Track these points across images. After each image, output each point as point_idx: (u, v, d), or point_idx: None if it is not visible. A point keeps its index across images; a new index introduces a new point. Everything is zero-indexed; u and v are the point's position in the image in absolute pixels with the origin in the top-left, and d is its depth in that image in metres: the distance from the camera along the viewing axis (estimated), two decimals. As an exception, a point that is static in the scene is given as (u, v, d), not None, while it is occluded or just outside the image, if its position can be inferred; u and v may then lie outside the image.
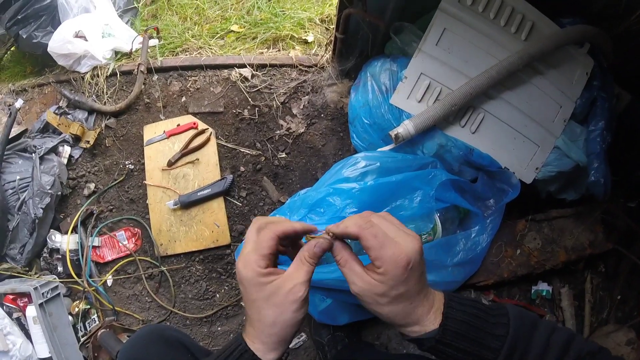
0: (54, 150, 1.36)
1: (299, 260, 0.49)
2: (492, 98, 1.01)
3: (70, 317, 1.25)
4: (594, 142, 1.01)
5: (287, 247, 0.57)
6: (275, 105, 1.39)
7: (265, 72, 1.42)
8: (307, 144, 1.36)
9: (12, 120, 1.31)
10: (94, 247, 1.32)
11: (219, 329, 1.27)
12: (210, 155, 1.35)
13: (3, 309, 1.23)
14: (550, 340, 0.47)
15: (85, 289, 1.27)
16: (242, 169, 1.35)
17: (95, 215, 1.34)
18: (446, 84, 1.01)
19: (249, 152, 1.36)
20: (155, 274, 1.31)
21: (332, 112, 1.37)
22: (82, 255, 1.29)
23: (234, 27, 1.58)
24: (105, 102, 1.45)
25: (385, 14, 1.04)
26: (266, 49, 1.52)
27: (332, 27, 1.46)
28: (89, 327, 1.26)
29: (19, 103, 1.36)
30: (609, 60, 1.04)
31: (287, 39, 1.52)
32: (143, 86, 1.44)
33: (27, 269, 1.30)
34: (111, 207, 1.37)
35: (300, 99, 1.40)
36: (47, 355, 1.18)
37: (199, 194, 1.29)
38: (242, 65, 1.43)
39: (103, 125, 1.42)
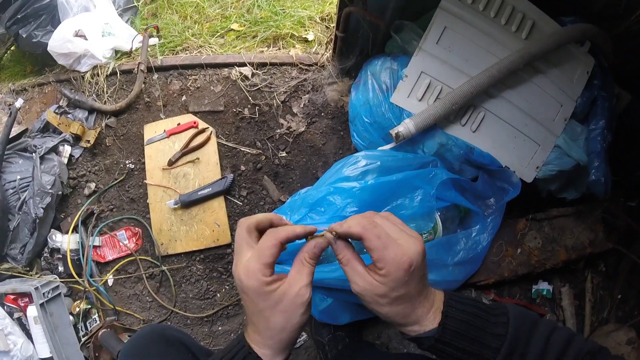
0: (54, 149, 1.36)
1: (300, 263, 0.49)
2: (492, 97, 1.01)
3: (71, 317, 1.26)
4: (595, 141, 1.01)
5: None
6: (275, 104, 1.39)
7: (265, 70, 1.42)
8: (307, 142, 1.36)
9: (12, 119, 1.31)
10: (94, 246, 1.32)
11: (220, 328, 1.27)
12: (210, 154, 1.34)
13: (4, 309, 1.23)
14: (550, 339, 0.47)
15: (86, 289, 1.27)
16: (242, 168, 1.35)
17: (95, 214, 1.35)
18: (447, 83, 1.01)
19: (249, 151, 1.36)
20: (156, 274, 1.31)
21: (333, 110, 1.37)
22: (83, 255, 1.29)
23: (234, 26, 1.58)
24: (105, 101, 1.45)
25: (385, 12, 1.03)
26: (266, 48, 1.52)
27: (332, 25, 1.46)
28: (90, 326, 1.27)
29: (19, 102, 1.36)
30: (609, 60, 1.04)
31: (287, 38, 1.52)
32: (143, 85, 1.43)
33: (28, 268, 1.30)
34: (112, 207, 1.37)
35: (301, 98, 1.39)
36: (48, 355, 1.18)
37: (199, 193, 1.29)
38: (243, 64, 1.42)
39: (103, 124, 1.42)
